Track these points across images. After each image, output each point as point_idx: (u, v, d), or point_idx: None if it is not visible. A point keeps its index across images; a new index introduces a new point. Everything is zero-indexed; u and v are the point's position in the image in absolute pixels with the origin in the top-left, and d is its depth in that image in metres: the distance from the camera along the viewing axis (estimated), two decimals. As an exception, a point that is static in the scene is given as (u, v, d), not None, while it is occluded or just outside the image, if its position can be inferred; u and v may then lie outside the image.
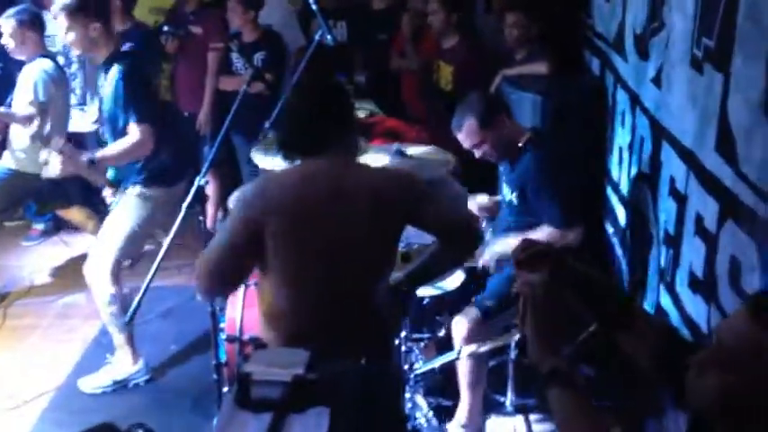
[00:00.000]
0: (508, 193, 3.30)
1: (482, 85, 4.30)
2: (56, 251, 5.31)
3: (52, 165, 3.46)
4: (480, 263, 3.24)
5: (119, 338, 3.77)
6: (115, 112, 3.54)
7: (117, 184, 3.76)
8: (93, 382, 3.79)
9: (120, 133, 3.55)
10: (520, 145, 3.23)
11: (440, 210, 2.41)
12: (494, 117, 3.21)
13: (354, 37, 5.52)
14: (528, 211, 3.21)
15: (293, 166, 2.38)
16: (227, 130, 3.17)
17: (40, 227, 5.46)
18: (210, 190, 5.07)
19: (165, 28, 5.05)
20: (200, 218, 3.05)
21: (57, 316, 4.46)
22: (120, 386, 3.78)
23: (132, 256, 3.88)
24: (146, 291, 2.79)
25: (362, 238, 2.31)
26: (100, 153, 3.58)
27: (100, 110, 3.78)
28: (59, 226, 5.52)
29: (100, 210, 5.35)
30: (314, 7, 3.70)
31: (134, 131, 3.48)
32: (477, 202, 3.63)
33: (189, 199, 2.92)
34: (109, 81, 3.53)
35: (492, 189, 3.71)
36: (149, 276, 2.81)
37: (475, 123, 3.19)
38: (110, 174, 3.77)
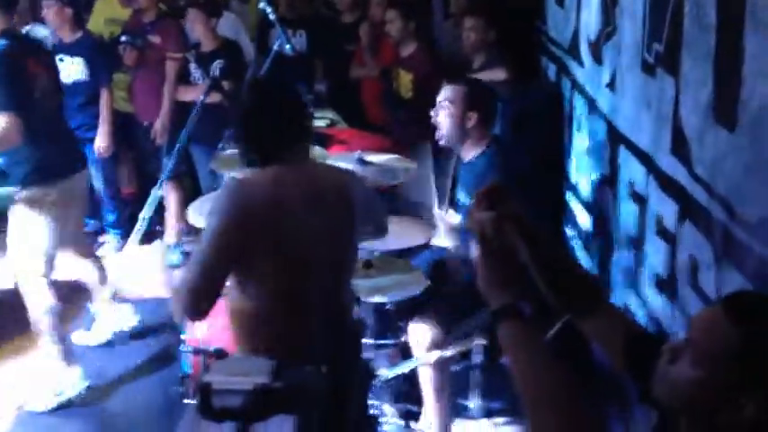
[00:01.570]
0: (464, 198, 3.30)
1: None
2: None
3: None
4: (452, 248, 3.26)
5: (53, 350, 3.65)
6: None
7: (3, 174, 3.64)
8: (40, 404, 3.68)
9: None
10: (479, 149, 3.25)
11: (378, 203, 2.60)
12: (476, 105, 3.22)
13: (316, 46, 5.52)
14: None
15: (259, 172, 2.37)
16: (184, 141, 3.15)
17: None
18: (171, 201, 5.02)
19: (123, 38, 5.00)
20: (158, 227, 3.02)
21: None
22: (65, 401, 3.65)
23: (52, 260, 3.65)
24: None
25: (336, 235, 2.36)
26: None
27: None
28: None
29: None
30: (272, 17, 3.70)
31: (1, 120, 3.31)
32: (448, 224, 3.48)
33: (145, 211, 2.90)
34: None
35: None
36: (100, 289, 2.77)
37: (463, 93, 3.21)
38: None
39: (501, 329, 1.41)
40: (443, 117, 3.25)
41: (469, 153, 3.27)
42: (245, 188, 2.32)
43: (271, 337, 2.32)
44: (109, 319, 4.12)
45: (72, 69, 4.83)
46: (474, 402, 3.38)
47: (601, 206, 3.54)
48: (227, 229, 2.23)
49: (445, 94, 3.26)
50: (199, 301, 2.23)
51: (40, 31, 5.16)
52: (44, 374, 3.73)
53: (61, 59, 4.66)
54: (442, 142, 3.33)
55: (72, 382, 3.71)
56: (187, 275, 2.24)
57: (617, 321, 1.60)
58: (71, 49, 4.83)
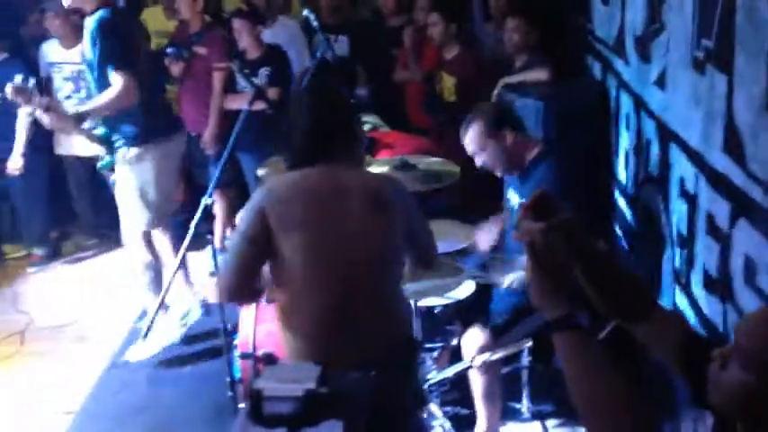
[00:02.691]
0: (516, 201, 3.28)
1: (484, 94, 4.30)
2: (61, 275, 5.34)
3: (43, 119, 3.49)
4: (506, 284, 3.22)
5: (157, 302, 3.78)
6: (93, 62, 3.59)
7: (106, 142, 3.77)
8: (142, 353, 3.93)
9: (100, 84, 3.60)
10: (529, 159, 3.23)
11: (425, 229, 2.57)
12: (500, 128, 3.22)
13: (358, 51, 5.55)
14: None
15: (296, 171, 2.46)
16: (231, 150, 3.19)
17: (40, 252, 5.49)
18: (218, 209, 5.09)
19: (169, 50, 5.09)
20: (209, 236, 3.06)
21: (72, 340, 4.47)
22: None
23: (161, 220, 3.89)
24: (159, 309, 2.80)
25: (362, 233, 2.37)
26: (84, 107, 3.63)
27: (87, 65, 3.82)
28: (58, 252, 5.58)
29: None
30: (314, 24, 3.73)
31: (116, 80, 3.49)
32: (484, 235, 3.51)
33: (196, 218, 2.94)
34: (91, 34, 3.56)
35: (492, 201, 3.67)
36: (162, 295, 2.83)
37: (480, 129, 3.20)
38: (100, 131, 3.76)
39: (556, 340, 1.42)
40: (480, 161, 3.25)
41: (525, 164, 3.26)
42: (274, 183, 2.47)
43: (304, 330, 2.38)
44: (162, 330, 4.18)
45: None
46: (525, 405, 3.36)
47: (650, 205, 3.48)
48: (252, 218, 2.36)
49: (465, 141, 3.24)
50: (231, 285, 2.40)
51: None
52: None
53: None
54: (500, 175, 3.34)
55: (172, 326, 4.00)
56: (224, 262, 2.42)
57: (671, 326, 1.57)
58: None
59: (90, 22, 3.56)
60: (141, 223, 3.79)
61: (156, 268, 3.85)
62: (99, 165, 3.94)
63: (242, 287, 2.42)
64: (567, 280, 1.45)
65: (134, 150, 3.71)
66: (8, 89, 3.42)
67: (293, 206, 2.35)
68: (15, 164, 5.07)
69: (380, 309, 2.45)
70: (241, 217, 2.46)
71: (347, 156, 2.46)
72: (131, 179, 3.75)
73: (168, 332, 4.10)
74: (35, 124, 5.03)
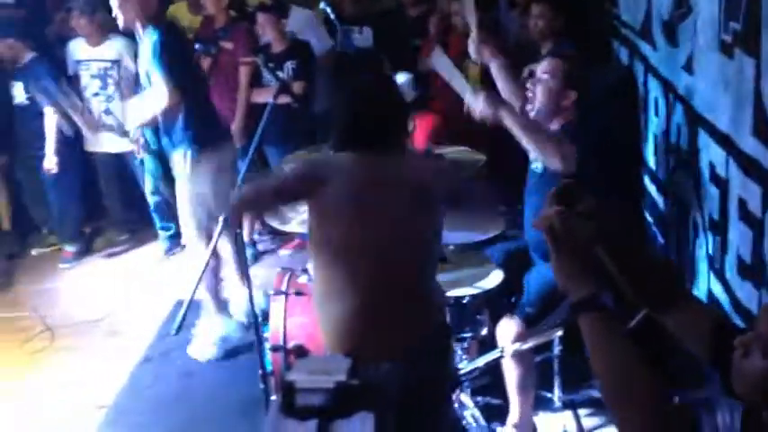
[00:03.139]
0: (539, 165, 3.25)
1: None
2: (93, 271, 5.42)
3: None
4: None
5: (210, 302, 4.06)
6: (149, 71, 3.81)
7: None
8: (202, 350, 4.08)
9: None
10: (558, 125, 3.20)
11: (472, 186, 2.67)
12: (574, 84, 3.17)
13: (382, 42, 5.54)
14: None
15: (345, 154, 2.47)
16: (257, 143, 3.20)
17: (72, 249, 5.55)
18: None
19: (196, 46, 5.12)
20: (238, 230, 3.08)
21: (104, 335, 4.54)
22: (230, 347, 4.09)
23: (216, 216, 3.84)
24: (190, 303, 2.83)
25: (403, 221, 2.37)
26: (134, 121, 4.10)
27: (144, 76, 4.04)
28: (90, 247, 5.66)
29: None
30: (332, 16, 3.74)
31: (163, 90, 3.74)
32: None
33: (225, 213, 2.96)
34: (148, 45, 3.79)
35: (518, 189, 3.64)
36: (193, 289, 2.86)
37: (564, 68, 3.16)
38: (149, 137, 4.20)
39: (581, 322, 1.41)
40: (540, 90, 3.16)
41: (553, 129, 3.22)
42: (326, 159, 2.57)
43: (335, 313, 2.39)
44: (214, 329, 4.22)
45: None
46: (556, 394, 3.35)
47: (680, 190, 3.45)
48: (296, 175, 2.55)
49: (545, 66, 3.19)
50: (243, 202, 2.67)
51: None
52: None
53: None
54: (531, 114, 3.27)
55: (231, 328, 4.12)
56: (252, 185, 2.65)
57: (701, 314, 1.56)
58: None
59: (147, 41, 3.82)
60: (197, 223, 3.97)
61: (213, 270, 3.97)
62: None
63: (246, 208, 2.75)
64: (590, 263, 1.46)
65: (191, 156, 3.93)
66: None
67: (338, 190, 2.35)
68: (50, 163, 5.14)
69: (419, 296, 2.45)
70: (291, 168, 2.71)
71: (395, 144, 2.47)
72: (189, 184, 3.96)
73: (225, 328, 4.19)
74: (66, 121, 5.13)
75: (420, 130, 4.55)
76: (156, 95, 3.84)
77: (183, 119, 3.91)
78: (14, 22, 5.11)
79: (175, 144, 3.99)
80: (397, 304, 2.38)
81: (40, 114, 5.15)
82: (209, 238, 3.68)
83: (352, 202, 2.35)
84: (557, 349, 3.27)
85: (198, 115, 3.95)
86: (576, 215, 1.45)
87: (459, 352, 3.31)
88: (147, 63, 3.87)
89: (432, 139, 4.29)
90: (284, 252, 5.26)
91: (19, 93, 5.20)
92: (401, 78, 4.79)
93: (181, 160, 3.97)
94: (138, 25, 3.89)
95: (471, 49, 3.25)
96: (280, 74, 4.64)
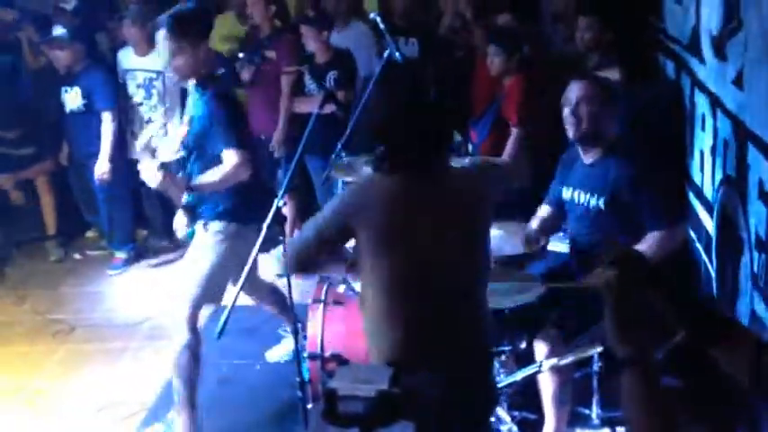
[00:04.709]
0: (592, 199, 3.21)
1: (553, 94, 4.24)
2: (140, 277, 5.49)
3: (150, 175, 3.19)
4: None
5: (179, 394, 3.48)
6: (205, 136, 3.39)
7: (192, 210, 3.51)
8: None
9: (209, 159, 3.38)
10: (602, 151, 3.18)
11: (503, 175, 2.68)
12: (611, 102, 3.18)
13: (427, 54, 5.56)
14: (622, 215, 3.12)
15: (386, 176, 2.37)
16: (301, 153, 3.22)
17: (122, 255, 5.64)
18: (286, 212, 5.16)
19: (241, 55, 5.19)
20: (281, 238, 3.09)
21: (145, 338, 4.59)
22: None
23: (216, 299, 3.55)
24: (232, 309, 2.84)
25: (459, 238, 2.35)
26: (198, 180, 3.36)
27: (188, 134, 3.58)
28: (141, 254, 5.73)
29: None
30: (381, 26, 3.76)
31: (230, 157, 3.30)
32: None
33: (268, 220, 2.97)
34: (202, 104, 3.40)
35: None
36: (235, 295, 2.87)
37: (602, 93, 3.18)
38: (185, 198, 3.52)
39: (623, 377, 1.51)
40: (582, 113, 3.15)
41: (593, 155, 3.20)
42: (370, 183, 2.45)
43: (389, 340, 2.36)
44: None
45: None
46: (594, 411, 3.30)
47: (727, 207, 3.39)
48: (341, 209, 2.37)
49: (584, 87, 3.18)
50: (298, 258, 2.45)
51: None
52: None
53: None
54: (573, 137, 3.24)
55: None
56: (301, 234, 2.48)
57: (745, 342, 1.58)
58: None
59: (200, 94, 3.42)
60: (195, 300, 3.45)
61: (194, 350, 3.48)
62: (182, 236, 3.66)
63: (304, 264, 2.47)
64: (641, 320, 1.56)
65: (215, 225, 3.47)
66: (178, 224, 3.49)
67: (388, 213, 2.30)
68: (103, 168, 5.22)
69: (475, 313, 2.44)
70: (333, 201, 2.49)
71: (440, 162, 2.40)
72: (201, 254, 3.50)
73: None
74: (119, 129, 5.23)
75: (511, 96, 4.56)
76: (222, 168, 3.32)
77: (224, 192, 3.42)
78: (71, 30, 5.22)
79: (203, 215, 3.49)
80: (459, 320, 2.37)
81: (95, 120, 5.23)
82: (195, 324, 3.45)
83: (409, 226, 2.30)
84: (596, 365, 3.22)
85: (241, 186, 3.41)
86: (632, 280, 1.57)
87: (497, 365, 3.29)
88: (200, 119, 3.41)
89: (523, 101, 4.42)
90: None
91: (72, 98, 5.28)
92: None
93: (206, 232, 3.49)
94: (194, 79, 3.48)
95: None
96: (324, 83, 4.69)
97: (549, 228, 3.44)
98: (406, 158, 2.32)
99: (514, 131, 4.52)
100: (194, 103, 3.49)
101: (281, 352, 4.20)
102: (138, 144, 5.30)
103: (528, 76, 4.59)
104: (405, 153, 2.32)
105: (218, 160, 3.34)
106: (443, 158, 2.42)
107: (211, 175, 3.33)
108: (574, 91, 3.18)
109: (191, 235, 3.59)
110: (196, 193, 3.41)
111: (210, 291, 3.48)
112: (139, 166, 3.24)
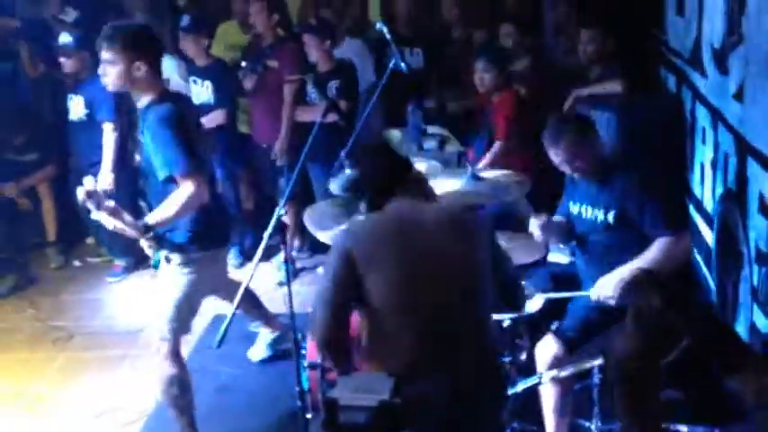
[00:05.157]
0: (600, 214, 3.23)
1: (554, 106, 4.27)
2: (139, 285, 5.47)
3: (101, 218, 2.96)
4: (594, 297, 3.18)
5: (180, 421, 3.46)
6: (154, 162, 3.17)
7: (154, 238, 3.22)
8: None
9: (159, 187, 3.18)
10: (605, 168, 3.20)
11: (508, 260, 2.60)
12: (588, 133, 3.20)
13: (432, 63, 5.59)
14: (631, 229, 3.13)
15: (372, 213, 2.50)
16: (304, 162, 3.22)
17: (122, 263, 5.63)
18: (287, 220, 5.16)
19: (244, 64, 5.21)
20: (281, 246, 3.10)
21: (144, 346, 4.58)
22: None
23: (187, 329, 3.46)
24: (232, 318, 2.83)
25: (452, 264, 2.37)
26: (153, 218, 3.11)
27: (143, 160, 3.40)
28: (140, 262, 5.71)
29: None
30: (388, 36, 3.77)
31: (185, 184, 3.09)
32: (539, 225, 3.35)
33: (269, 229, 2.97)
34: (148, 127, 3.16)
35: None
36: (235, 303, 2.87)
37: (573, 138, 3.17)
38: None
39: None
40: (572, 168, 3.22)
41: (595, 176, 3.22)
42: (356, 224, 2.49)
43: (388, 354, 2.36)
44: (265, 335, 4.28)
45: (202, 92, 5.13)
46: (594, 423, 3.29)
47: (727, 221, 3.39)
48: (338, 261, 2.37)
49: (554, 152, 3.21)
50: (326, 336, 2.38)
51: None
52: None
53: (194, 81, 5.04)
54: (570, 174, 3.30)
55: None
56: (314, 309, 2.40)
57: (760, 368, 1.60)
58: (203, 74, 5.14)
59: (149, 116, 3.17)
60: (171, 332, 3.34)
61: (182, 380, 3.41)
62: (152, 262, 3.61)
63: (336, 336, 2.40)
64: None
65: (177, 258, 3.29)
66: (79, 193, 3.03)
67: (380, 245, 2.35)
68: (106, 178, 5.19)
69: (475, 339, 2.43)
70: (326, 263, 2.45)
71: (417, 191, 2.52)
72: (167, 287, 3.36)
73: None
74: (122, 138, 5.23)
75: (500, 110, 4.53)
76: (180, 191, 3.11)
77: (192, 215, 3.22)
78: (76, 38, 5.22)
79: (165, 244, 3.27)
80: (459, 347, 2.37)
81: (97, 129, 5.23)
82: (177, 354, 3.38)
83: (400, 254, 2.35)
84: (596, 377, 3.22)
85: (200, 214, 3.23)
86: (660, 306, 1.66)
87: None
88: (149, 144, 3.17)
89: (513, 117, 4.36)
90: (323, 270, 5.27)
91: (75, 106, 5.29)
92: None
93: (171, 262, 3.30)
94: (144, 99, 3.23)
95: (532, 227, 3.34)
96: (325, 92, 4.70)
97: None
98: (380, 195, 2.47)
99: (496, 144, 4.52)
100: (142, 130, 3.27)
101: (261, 346, 4.23)
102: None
103: (517, 92, 4.60)
104: (377, 192, 2.48)
105: (168, 187, 3.15)
106: (415, 191, 2.52)
107: (167, 209, 3.11)
108: (550, 137, 3.21)
109: (156, 263, 3.49)
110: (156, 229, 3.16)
111: (183, 322, 3.38)
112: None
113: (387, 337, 2.37)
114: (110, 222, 2.95)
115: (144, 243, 3.21)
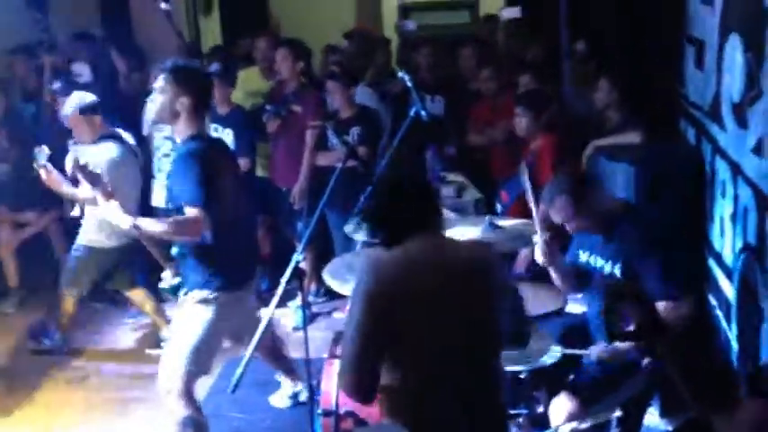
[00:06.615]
0: (607, 266, 3.23)
1: (573, 155, 4.28)
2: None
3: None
4: (593, 357, 3.17)
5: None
6: (172, 190, 3.35)
7: (175, 260, 3.42)
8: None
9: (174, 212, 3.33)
10: (615, 218, 3.20)
11: (518, 296, 2.56)
12: (586, 191, 3.21)
13: (452, 110, 5.65)
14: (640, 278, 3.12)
15: (393, 252, 2.43)
16: (323, 206, 3.25)
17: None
18: (304, 264, 5.17)
19: (268, 107, 5.29)
20: (299, 292, 3.10)
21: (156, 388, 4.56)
22: None
23: (206, 370, 3.47)
24: (248, 363, 2.82)
25: (475, 303, 2.39)
26: (145, 222, 3.31)
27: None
28: (160, 298, 5.71)
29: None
30: (409, 84, 3.83)
31: (188, 211, 3.21)
32: (542, 240, 3.34)
33: (287, 275, 2.99)
34: (175, 160, 3.38)
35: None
36: (251, 348, 2.86)
37: (567, 199, 3.19)
38: (173, 250, 3.44)
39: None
40: (572, 227, 3.26)
41: (603, 229, 3.23)
42: (378, 263, 2.41)
43: (410, 412, 2.36)
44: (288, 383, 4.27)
45: (223, 139, 5.18)
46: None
47: (747, 275, 3.36)
48: (365, 303, 2.32)
49: (553, 213, 3.25)
50: (356, 382, 2.35)
51: None
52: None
53: (215, 129, 5.08)
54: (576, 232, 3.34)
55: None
56: (342, 362, 2.37)
57: (752, 413, 1.59)
58: (224, 121, 5.19)
59: (179, 150, 3.35)
60: (186, 372, 3.36)
61: (197, 423, 3.42)
62: (162, 288, 3.57)
63: (368, 381, 2.36)
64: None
65: (198, 294, 3.35)
66: (68, 162, 3.11)
67: (404, 284, 2.33)
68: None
69: (495, 380, 2.46)
70: (352, 307, 2.41)
71: (436, 227, 2.49)
72: (186, 325, 3.40)
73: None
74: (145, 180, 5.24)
75: (544, 155, 4.54)
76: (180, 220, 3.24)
77: (206, 255, 3.31)
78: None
79: (188, 282, 3.38)
80: (482, 388, 2.39)
81: None
82: (191, 396, 3.38)
83: (426, 291, 2.34)
84: (614, 430, 3.17)
85: (222, 251, 3.31)
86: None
87: (514, 429, 3.24)
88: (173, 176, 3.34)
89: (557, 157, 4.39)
90: (339, 315, 5.25)
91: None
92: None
93: (191, 300, 3.37)
94: (180, 136, 3.38)
95: (537, 253, 3.36)
96: (347, 138, 4.75)
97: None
98: (399, 231, 2.41)
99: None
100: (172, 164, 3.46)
101: (283, 395, 4.24)
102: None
103: (559, 136, 4.63)
104: (396, 228, 2.42)
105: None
106: (434, 227, 2.48)
107: (160, 224, 3.33)
108: (546, 198, 3.25)
109: (171, 290, 3.51)
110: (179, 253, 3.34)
111: (200, 362, 3.39)
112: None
113: (407, 384, 2.36)
114: (101, 202, 3.07)
115: (167, 272, 3.37)
